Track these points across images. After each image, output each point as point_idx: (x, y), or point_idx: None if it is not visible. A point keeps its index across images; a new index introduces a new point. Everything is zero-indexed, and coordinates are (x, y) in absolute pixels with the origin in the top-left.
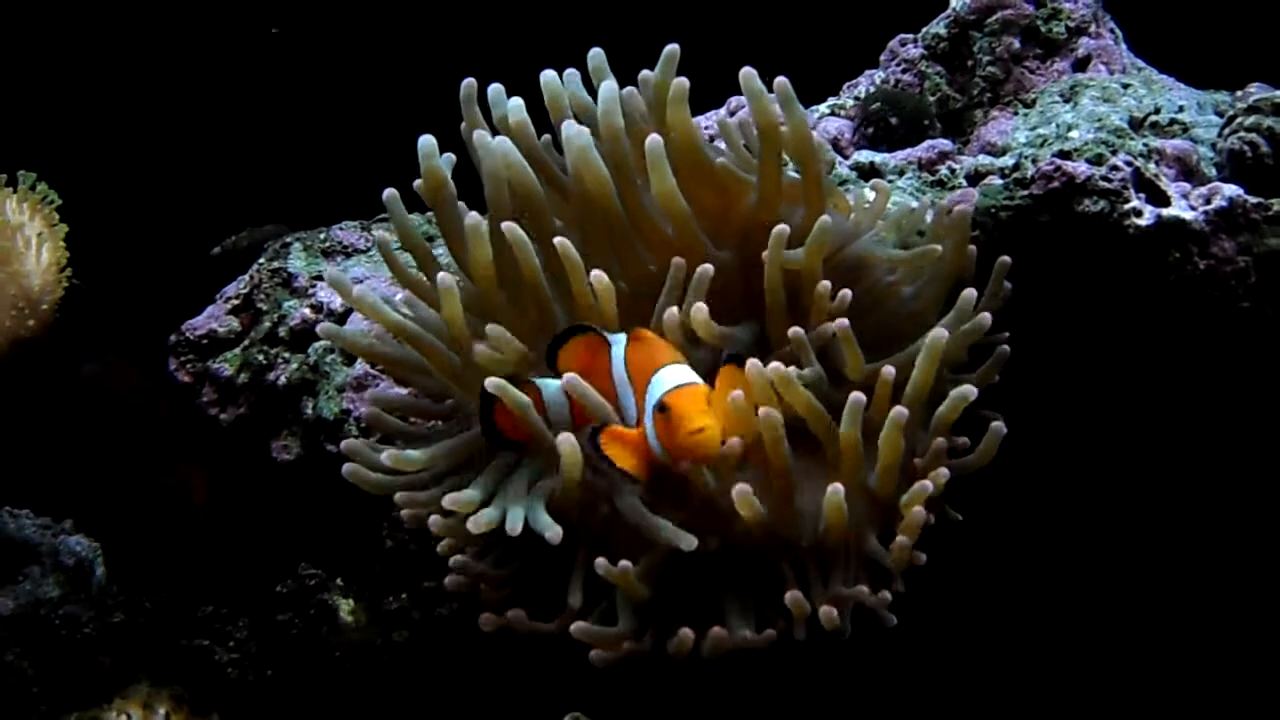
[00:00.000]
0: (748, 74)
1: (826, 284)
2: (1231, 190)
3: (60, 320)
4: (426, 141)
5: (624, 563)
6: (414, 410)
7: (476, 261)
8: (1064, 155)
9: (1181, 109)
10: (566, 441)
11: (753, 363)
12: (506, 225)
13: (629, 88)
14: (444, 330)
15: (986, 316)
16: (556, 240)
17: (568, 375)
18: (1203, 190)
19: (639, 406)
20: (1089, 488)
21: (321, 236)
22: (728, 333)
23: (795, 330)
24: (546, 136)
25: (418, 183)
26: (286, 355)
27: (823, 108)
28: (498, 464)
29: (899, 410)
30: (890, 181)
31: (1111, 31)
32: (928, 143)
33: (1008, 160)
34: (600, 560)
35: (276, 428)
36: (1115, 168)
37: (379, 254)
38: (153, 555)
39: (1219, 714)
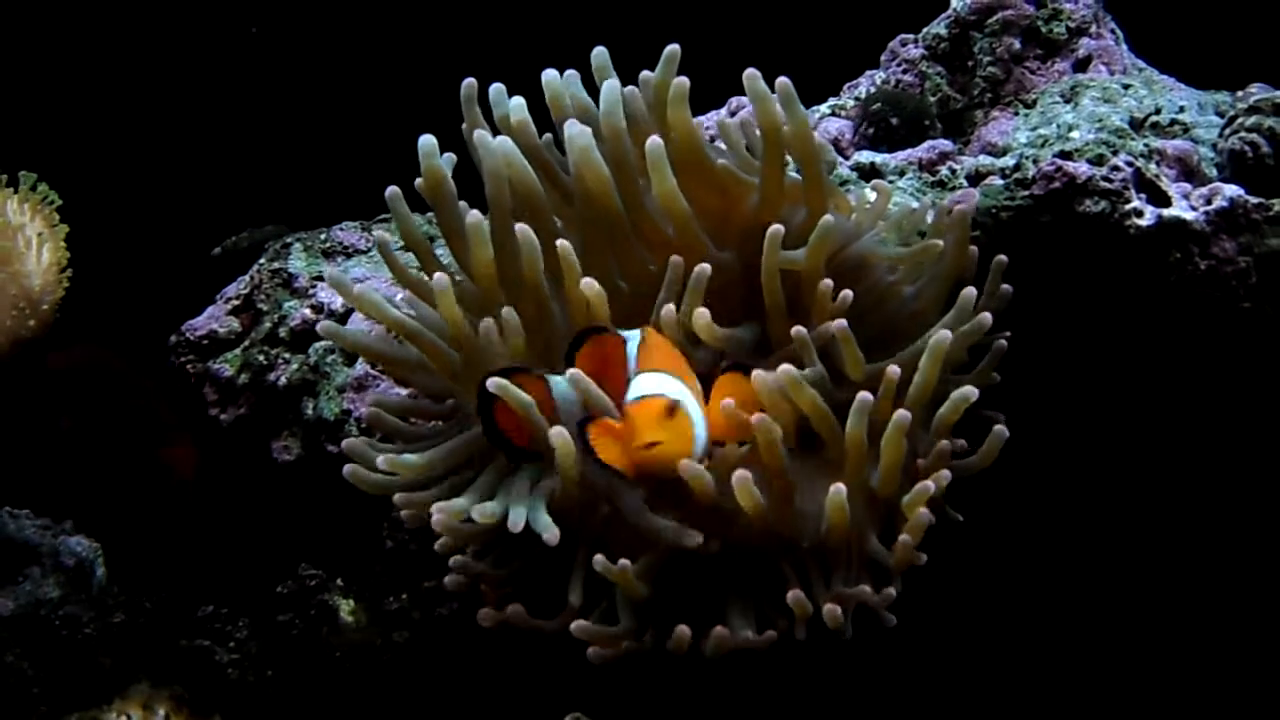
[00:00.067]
0: (752, 75)
1: (829, 282)
2: (1232, 190)
3: (60, 320)
4: (427, 141)
5: (623, 561)
6: (414, 411)
7: (477, 261)
8: (1065, 156)
9: (1182, 109)
10: (559, 436)
11: (758, 374)
12: (520, 228)
13: (631, 87)
14: (445, 329)
15: (987, 316)
16: (558, 243)
17: (571, 370)
18: (1203, 190)
19: None
20: (1090, 488)
21: (322, 237)
22: (729, 334)
23: (798, 330)
24: (548, 136)
25: (419, 181)
26: (287, 356)
27: (823, 108)
28: (496, 465)
29: (902, 414)
30: (891, 182)
31: (1112, 32)
32: (928, 143)
33: (1008, 161)
34: (598, 557)
35: (277, 428)
36: (1116, 168)
37: (379, 254)
38: (150, 544)
39: (1219, 714)
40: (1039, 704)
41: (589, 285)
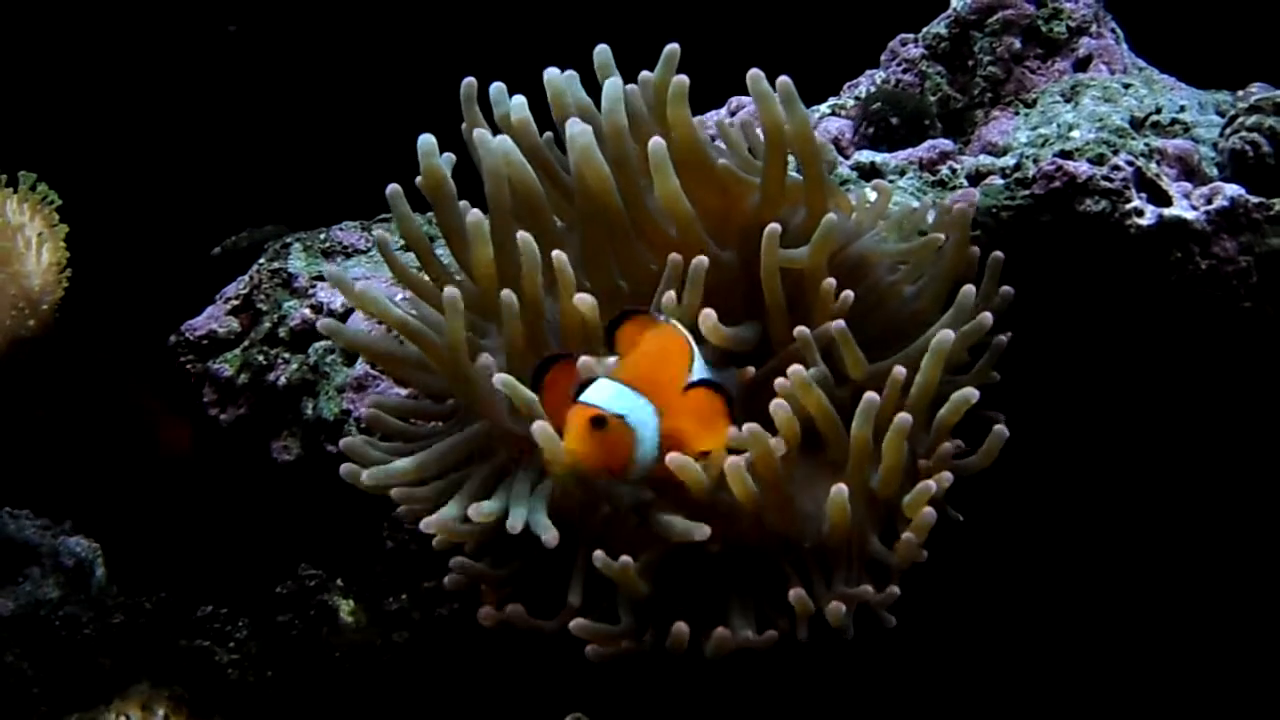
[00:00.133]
0: (755, 76)
1: (831, 281)
2: (1233, 190)
3: (60, 320)
4: (426, 140)
5: (624, 558)
6: (414, 411)
7: (478, 261)
8: (1065, 155)
9: (1183, 109)
10: (541, 430)
11: (780, 382)
12: (521, 236)
13: (631, 85)
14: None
15: (988, 316)
16: (554, 254)
17: (584, 359)
18: (1204, 190)
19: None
20: (1090, 488)
21: (322, 237)
22: (734, 334)
23: (801, 330)
24: (548, 134)
25: (419, 179)
26: (286, 356)
27: (823, 108)
28: (494, 464)
29: (903, 417)
30: (891, 181)
31: (1113, 31)
32: (929, 143)
33: (1009, 160)
34: (598, 553)
35: (276, 428)
36: (1117, 167)
37: (379, 253)
38: (150, 543)
39: (1219, 714)
40: (1039, 704)
41: (582, 300)
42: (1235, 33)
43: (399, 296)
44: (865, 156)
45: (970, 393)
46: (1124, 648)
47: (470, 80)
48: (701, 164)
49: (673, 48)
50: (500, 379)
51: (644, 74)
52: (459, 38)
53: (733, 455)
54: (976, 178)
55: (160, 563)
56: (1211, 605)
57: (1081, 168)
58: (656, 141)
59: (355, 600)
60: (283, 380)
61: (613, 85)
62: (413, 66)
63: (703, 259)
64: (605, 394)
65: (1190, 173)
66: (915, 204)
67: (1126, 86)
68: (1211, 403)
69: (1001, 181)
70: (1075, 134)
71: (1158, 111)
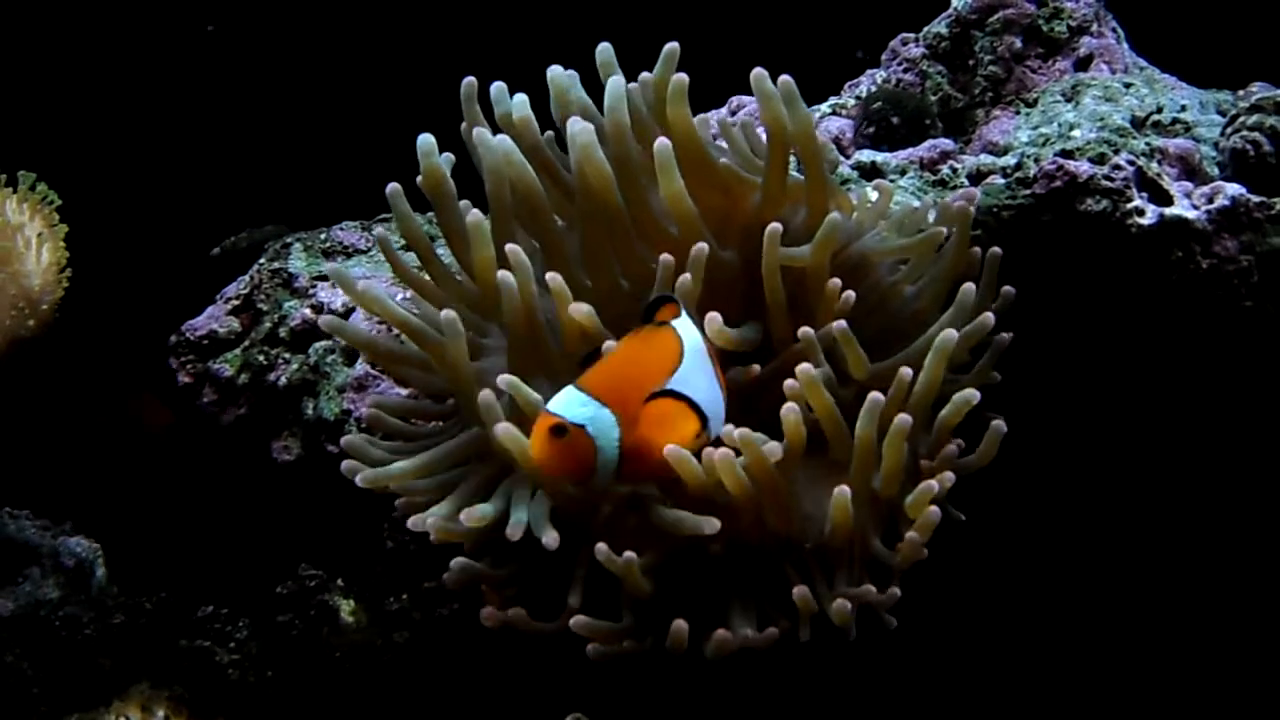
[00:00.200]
0: (759, 74)
1: (837, 282)
2: (1234, 189)
3: (60, 320)
4: (425, 140)
5: (629, 554)
6: (415, 411)
7: (479, 261)
8: (1066, 154)
9: (1184, 108)
10: (504, 433)
11: (790, 384)
12: (510, 248)
13: (633, 84)
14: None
15: (990, 316)
16: (548, 275)
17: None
18: (1205, 189)
19: None
20: (1092, 487)
21: (322, 237)
22: (735, 335)
23: (805, 330)
24: (549, 133)
25: (420, 179)
26: (287, 356)
27: (824, 107)
28: (492, 465)
29: (903, 418)
30: (892, 181)
31: (1113, 31)
32: (929, 142)
33: (1010, 160)
34: (601, 547)
35: (277, 428)
36: (1118, 167)
37: (380, 252)
38: (150, 543)
39: (1219, 714)
40: (1039, 703)
41: (578, 309)
42: (1236, 32)
43: (399, 296)
44: (866, 156)
45: (972, 394)
46: (1124, 647)
47: (470, 79)
48: (702, 163)
49: (672, 46)
50: (505, 380)
51: (645, 75)
52: (459, 37)
53: (722, 449)
54: (977, 177)
55: (161, 563)
56: (1212, 604)
57: (1082, 167)
58: (662, 142)
59: (356, 600)
60: (283, 380)
61: (616, 83)
62: (413, 66)
63: (703, 245)
64: (567, 403)
65: (1191, 172)
66: (916, 203)
67: (1127, 86)
68: (1213, 402)
69: (1002, 181)
70: (1076, 133)
71: (1159, 111)
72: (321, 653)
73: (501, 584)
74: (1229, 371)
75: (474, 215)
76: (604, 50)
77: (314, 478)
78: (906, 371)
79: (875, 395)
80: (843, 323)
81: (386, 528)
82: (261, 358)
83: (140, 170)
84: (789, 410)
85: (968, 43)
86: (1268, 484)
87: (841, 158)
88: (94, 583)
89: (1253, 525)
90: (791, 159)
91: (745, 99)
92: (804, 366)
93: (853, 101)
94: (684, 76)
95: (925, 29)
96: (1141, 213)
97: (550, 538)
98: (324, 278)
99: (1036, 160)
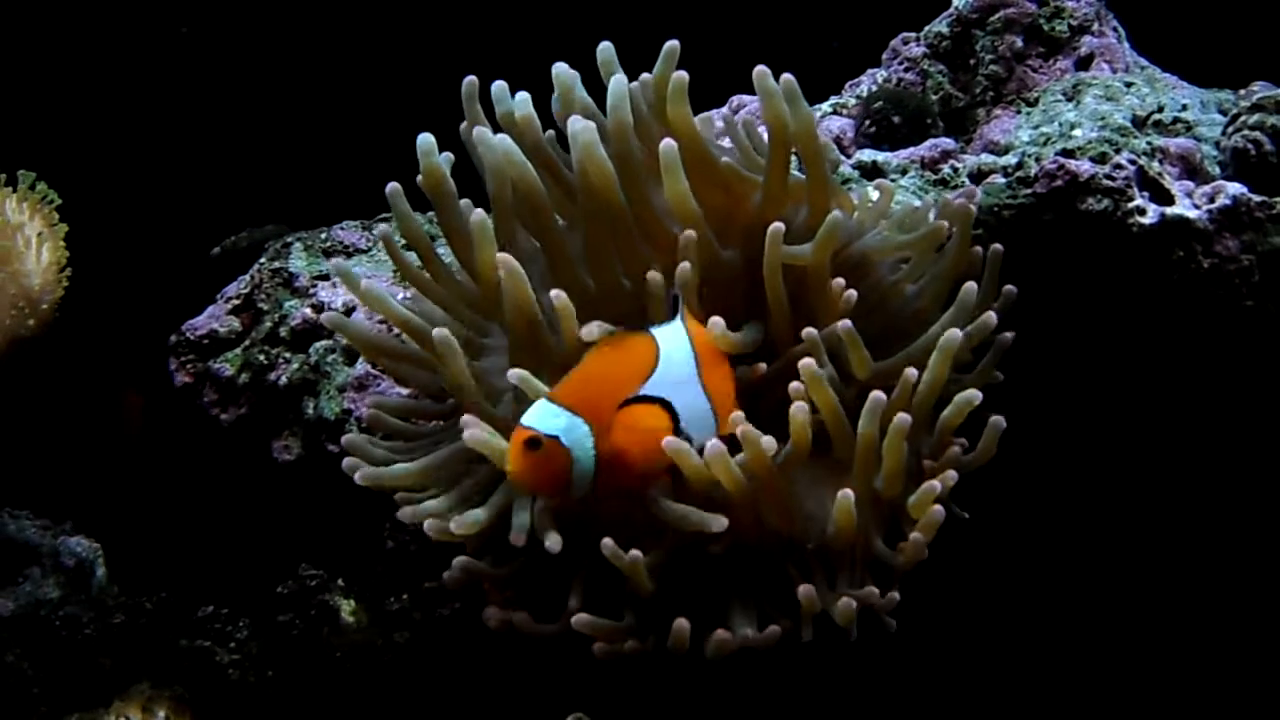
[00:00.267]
0: (761, 72)
1: (841, 281)
2: (1235, 189)
3: (60, 320)
4: (425, 140)
5: (634, 552)
6: (415, 411)
7: (482, 260)
8: (1067, 154)
9: (1185, 107)
10: (474, 439)
11: (795, 386)
12: (502, 257)
13: (634, 83)
14: (450, 325)
15: (992, 316)
16: (553, 293)
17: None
18: (1206, 189)
19: None
20: (1093, 487)
21: (323, 236)
22: (738, 337)
23: (810, 331)
24: (550, 132)
25: (420, 178)
26: (287, 355)
27: (825, 106)
28: (492, 469)
29: (902, 418)
30: (893, 180)
31: (1114, 30)
32: (930, 141)
33: (1011, 159)
34: (607, 542)
35: (277, 428)
36: (1119, 166)
37: (383, 249)
38: (150, 544)
39: (1219, 714)
40: (1039, 703)
41: (590, 333)
42: (1237, 31)
43: (400, 296)
44: (867, 155)
45: (974, 394)
46: (1124, 646)
47: (472, 78)
48: (704, 161)
49: (672, 44)
50: (515, 374)
51: (645, 75)
52: (458, 37)
53: (713, 442)
54: (978, 176)
55: (161, 563)
56: (1213, 604)
57: (1083, 166)
58: (668, 143)
59: (356, 600)
60: (284, 380)
61: (618, 81)
62: (413, 66)
63: (690, 233)
64: (540, 415)
65: (1192, 171)
66: (917, 203)
67: (1128, 85)
68: (1214, 402)
69: (1003, 180)
70: (1077, 133)
71: (1160, 110)
72: (322, 653)
73: (503, 583)
74: (1230, 371)
75: (479, 214)
76: (604, 50)
77: (314, 477)
78: (911, 372)
79: (878, 394)
80: (848, 322)
81: (387, 528)
82: (262, 357)
83: (140, 170)
84: (798, 410)
85: (969, 42)
86: (1268, 483)
87: (842, 157)
88: (94, 582)
89: (1253, 524)
90: (793, 159)
91: (746, 98)
92: (807, 361)
93: (853, 101)
94: (684, 74)
95: (926, 28)
96: (1143, 212)
97: (553, 541)
98: (324, 277)
99: (1038, 159)
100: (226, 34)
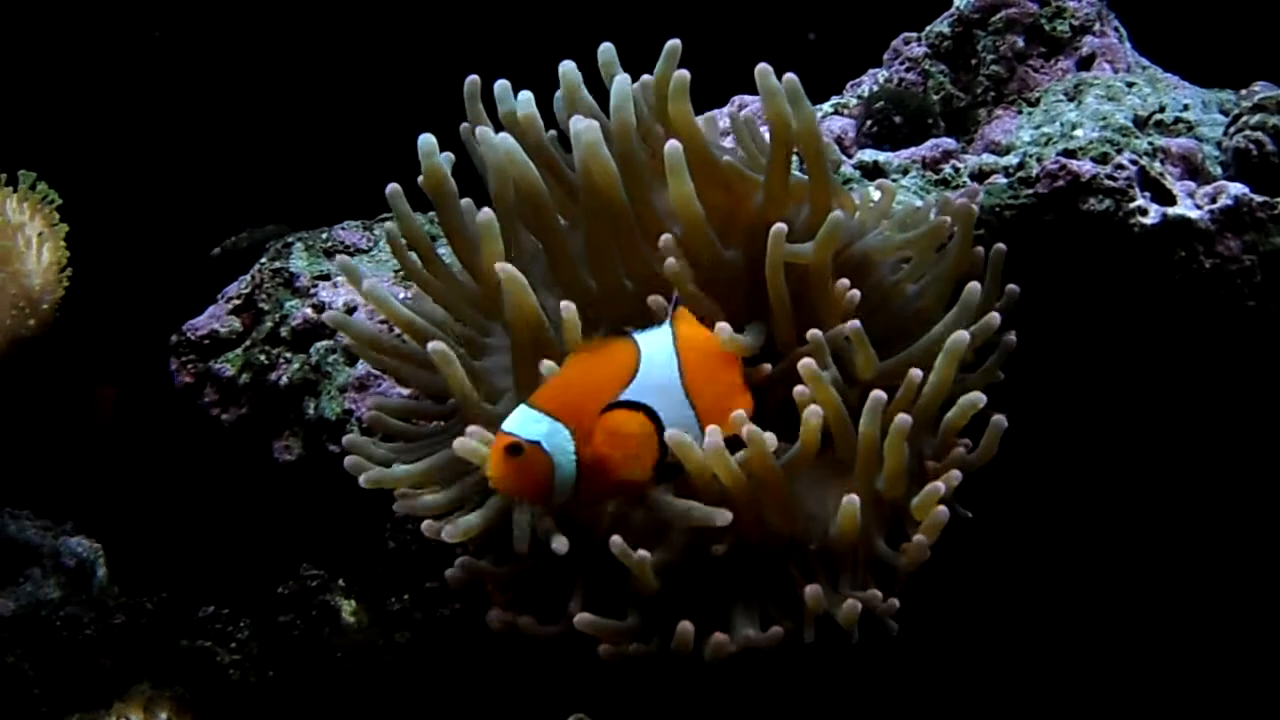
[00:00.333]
0: (764, 70)
1: (845, 282)
2: (1237, 189)
3: (60, 320)
4: (426, 140)
5: (642, 551)
6: (416, 412)
7: (486, 259)
8: (1069, 154)
9: (1186, 107)
10: (461, 445)
11: (801, 390)
12: (500, 266)
13: (635, 84)
14: (450, 325)
15: (996, 316)
16: (563, 304)
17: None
18: (1208, 189)
19: None
20: (1094, 487)
21: (324, 236)
22: (747, 342)
23: (814, 332)
24: (552, 132)
25: (421, 179)
26: (288, 355)
27: (826, 106)
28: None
29: (902, 418)
30: (894, 180)
31: (1116, 30)
32: (931, 141)
33: (1012, 159)
34: (616, 539)
35: (278, 428)
36: (1120, 166)
37: (384, 250)
38: (151, 544)
39: (1219, 714)
40: (1039, 703)
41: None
42: (1238, 31)
43: (401, 295)
44: (868, 155)
45: (978, 397)
46: (1125, 645)
47: (474, 78)
48: (705, 160)
49: (674, 43)
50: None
51: (646, 76)
52: (459, 37)
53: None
54: (980, 177)
55: (161, 563)
56: (1213, 603)
57: (1085, 166)
58: (673, 144)
59: (357, 600)
60: (284, 380)
61: (621, 82)
62: (413, 66)
63: (668, 236)
64: (521, 421)
65: (1194, 172)
66: (918, 203)
67: (1130, 85)
68: (1215, 402)
69: (1005, 180)
70: (1079, 133)
71: (1161, 110)
72: (323, 653)
73: (505, 583)
74: (1232, 371)
75: (485, 214)
76: (606, 50)
77: (315, 478)
78: (917, 373)
79: (878, 394)
80: (857, 323)
81: (388, 528)
82: (263, 357)
83: (140, 170)
84: (811, 414)
85: (970, 42)
86: (1269, 483)
87: (844, 157)
88: (95, 583)
89: (1254, 524)
90: (794, 159)
91: (748, 98)
92: (807, 361)
93: (855, 101)
94: (685, 73)
95: (928, 28)
96: (1144, 212)
97: (560, 543)
98: (325, 277)
99: (1039, 160)
100: (226, 34)
